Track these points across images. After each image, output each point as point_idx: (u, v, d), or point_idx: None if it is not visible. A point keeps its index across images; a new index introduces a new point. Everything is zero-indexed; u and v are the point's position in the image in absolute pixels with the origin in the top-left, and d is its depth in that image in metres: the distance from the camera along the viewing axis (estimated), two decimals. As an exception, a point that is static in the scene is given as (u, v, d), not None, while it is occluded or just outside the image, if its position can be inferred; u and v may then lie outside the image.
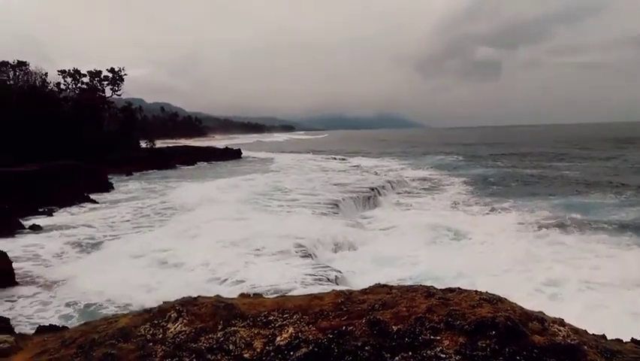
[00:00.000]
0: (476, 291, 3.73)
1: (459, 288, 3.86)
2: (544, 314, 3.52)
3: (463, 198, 33.48)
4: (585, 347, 3.19)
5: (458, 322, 3.33)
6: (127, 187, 41.49)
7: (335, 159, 71.31)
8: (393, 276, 15.16)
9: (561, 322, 3.45)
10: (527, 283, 15.15)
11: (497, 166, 57.75)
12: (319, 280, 14.48)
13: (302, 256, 17.14)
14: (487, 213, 27.41)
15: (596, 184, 38.49)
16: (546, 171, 49.49)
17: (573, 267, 16.66)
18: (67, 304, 13.50)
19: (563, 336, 3.23)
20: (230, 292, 11.43)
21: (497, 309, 3.39)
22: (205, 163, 69.21)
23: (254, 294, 4.69)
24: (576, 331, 3.39)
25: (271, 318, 3.73)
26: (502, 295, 3.69)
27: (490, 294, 3.65)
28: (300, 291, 12.60)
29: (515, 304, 3.58)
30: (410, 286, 4.09)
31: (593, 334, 3.58)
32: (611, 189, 35.33)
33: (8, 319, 11.16)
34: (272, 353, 3.39)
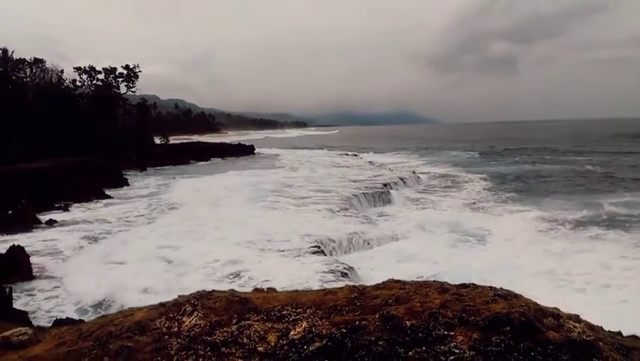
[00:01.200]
0: (491, 287, 3.72)
1: (473, 284, 3.85)
2: (559, 310, 3.50)
3: (482, 196, 32.31)
4: (601, 344, 3.16)
5: (472, 317, 3.32)
6: (141, 183, 41.87)
7: (347, 154, 71.15)
8: (409, 275, 14.89)
9: (577, 318, 3.43)
10: (551, 283, 14.59)
11: (516, 162, 55.96)
12: (333, 275, 14.50)
13: (314, 253, 17.16)
14: (509, 212, 26.16)
15: (621, 181, 37.02)
16: (566, 167, 47.75)
17: (601, 266, 15.87)
18: (83, 297, 13.69)
19: (579, 332, 3.21)
20: (242, 288, 11.46)
21: (512, 305, 3.37)
22: (219, 159, 69.56)
23: (268, 289, 4.72)
24: (592, 327, 3.37)
25: (285, 312, 3.75)
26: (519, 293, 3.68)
27: (505, 290, 3.64)
28: (313, 287, 12.64)
29: (530, 300, 3.56)
30: (424, 281, 4.09)
31: (609, 331, 3.55)
32: (638, 186, 33.78)
33: (26, 312, 11.35)
34: (286, 347, 3.41)
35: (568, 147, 74.70)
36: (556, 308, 3.56)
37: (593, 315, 3.99)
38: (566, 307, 3.66)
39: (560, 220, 23.14)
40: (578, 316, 3.52)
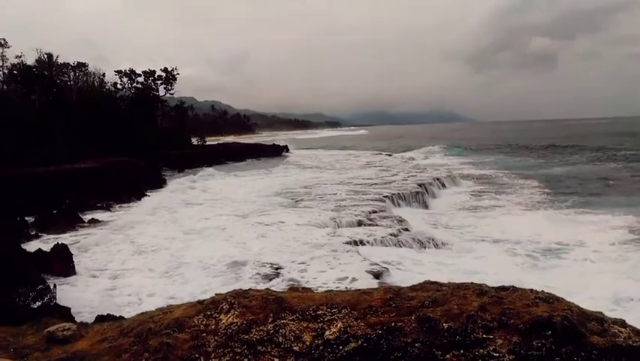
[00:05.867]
0: (531, 290, 3.63)
1: (513, 286, 3.76)
2: (603, 315, 3.38)
3: (538, 201, 28.84)
4: (648, 350, 3.04)
5: (512, 321, 3.25)
6: (179, 183, 42.58)
7: (381, 154, 70.60)
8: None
9: (622, 323, 3.31)
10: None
11: (568, 163, 50.09)
12: (367, 276, 14.44)
13: (348, 253, 17.12)
14: (576, 220, 22.59)
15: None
16: (629, 168, 42.49)
17: None
18: (124, 294, 14.04)
19: (625, 337, 3.09)
20: (278, 288, 11.52)
21: (554, 308, 3.28)
22: (254, 159, 70.33)
23: (303, 288, 4.73)
24: (638, 333, 3.24)
25: (320, 312, 3.75)
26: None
27: (547, 293, 3.54)
28: (348, 287, 12.61)
29: (573, 303, 3.45)
30: (461, 283, 4.02)
31: (658, 337, 3.41)
32: None
33: (69, 308, 11.73)
34: (321, 347, 3.41)
35: (622, 145, 67.45)
36: (600, 312, 3.44)
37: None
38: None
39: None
40: (624, 321, 3.39)
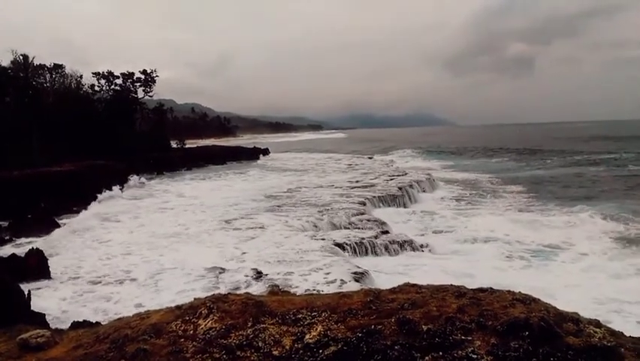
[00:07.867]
0: (509, 291, 3.67)
1: (491, 288, 3.80)
2: (579, 315, 3.43)
3: (520, 204, 28.81)
4: (622, 350, 3.09)
5: (490, 322, 3.28)
6: (157, 186, 42.17)
7: (362, 157, 71.05)
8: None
9: (597, 323, 3.36)
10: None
11: (549, 166, 50.57)
12: (348, 279, 14.42)
13: (329, 256, 17.09)
14: (561, 223, 22.55)
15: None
16: (610, 171, 42.97)
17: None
18: (100, 299, 13.80)
19: (599, 338, 3.14)
20: (258, 291, 11.48)
21: (531, 309, 3.32)
22: (234, 162, 70.03)
23: (282, 291, 4.71)
24: (613, 333, 3.30)
25: (300, 316, 3.74)
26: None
27: (524, 294, 3.58)
28: (328, 290, 12.61)
29: (549, 304, 3.50)
30: (440, 285, 4.05)
31: (631, 336, 3.47)
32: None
33: (44, 314, 11.48)
34: (301, 351, 3.40)
35: (602, 148, 68.46)
36: (576, 313, 3.49)
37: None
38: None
39: (629, 229, 20.32)
40: (599, 321, 3.45)
